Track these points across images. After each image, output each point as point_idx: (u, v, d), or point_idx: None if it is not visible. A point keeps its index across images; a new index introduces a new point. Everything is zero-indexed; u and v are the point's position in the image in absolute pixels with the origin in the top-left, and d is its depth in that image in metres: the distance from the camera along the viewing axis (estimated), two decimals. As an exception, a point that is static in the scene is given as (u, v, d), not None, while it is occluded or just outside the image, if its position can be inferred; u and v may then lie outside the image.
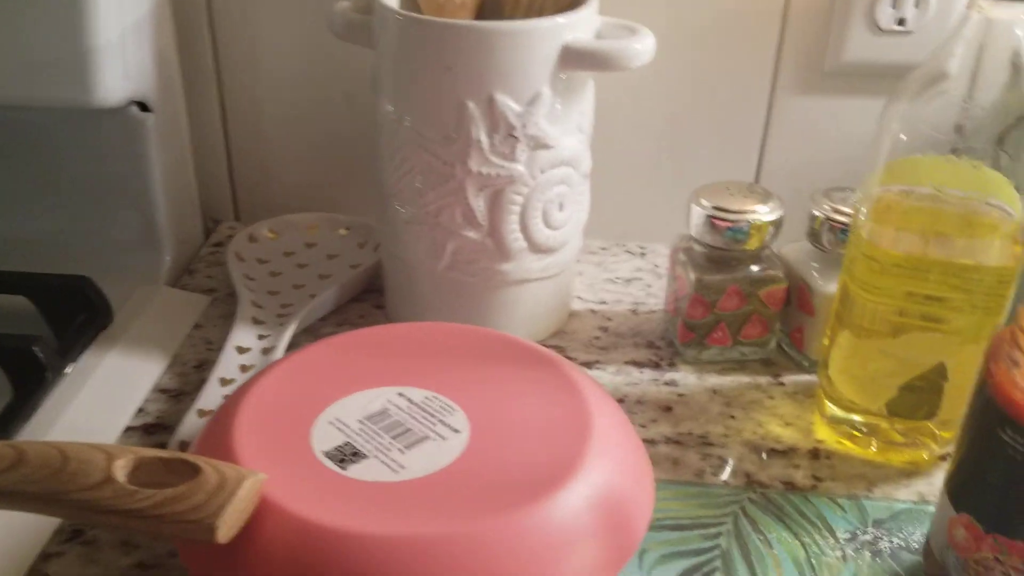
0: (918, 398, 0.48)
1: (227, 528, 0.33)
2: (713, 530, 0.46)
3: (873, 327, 0.48)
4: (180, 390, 0.56)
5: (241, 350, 0.56)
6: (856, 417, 0.51)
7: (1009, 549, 0.37)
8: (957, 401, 0.47)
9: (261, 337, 0.57)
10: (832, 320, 0.51)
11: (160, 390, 0.56)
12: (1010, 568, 0.37)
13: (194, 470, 0.34)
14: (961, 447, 0.40)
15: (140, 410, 0.54)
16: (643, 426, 0.54)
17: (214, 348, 0.58)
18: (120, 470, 0.35)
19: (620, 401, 0.55)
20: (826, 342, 0.52)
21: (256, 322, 0.59)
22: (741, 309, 0.57)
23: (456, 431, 0.40)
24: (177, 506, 0.33)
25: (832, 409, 0.52)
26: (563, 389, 0.43)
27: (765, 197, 0.56)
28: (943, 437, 0.50)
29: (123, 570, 0.44)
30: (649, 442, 0.52)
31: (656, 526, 0.46)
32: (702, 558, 0.45)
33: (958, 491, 0.39)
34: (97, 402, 0.53)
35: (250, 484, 0.34)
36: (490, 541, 0.35)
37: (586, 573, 0.36)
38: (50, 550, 0.45)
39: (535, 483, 0.37)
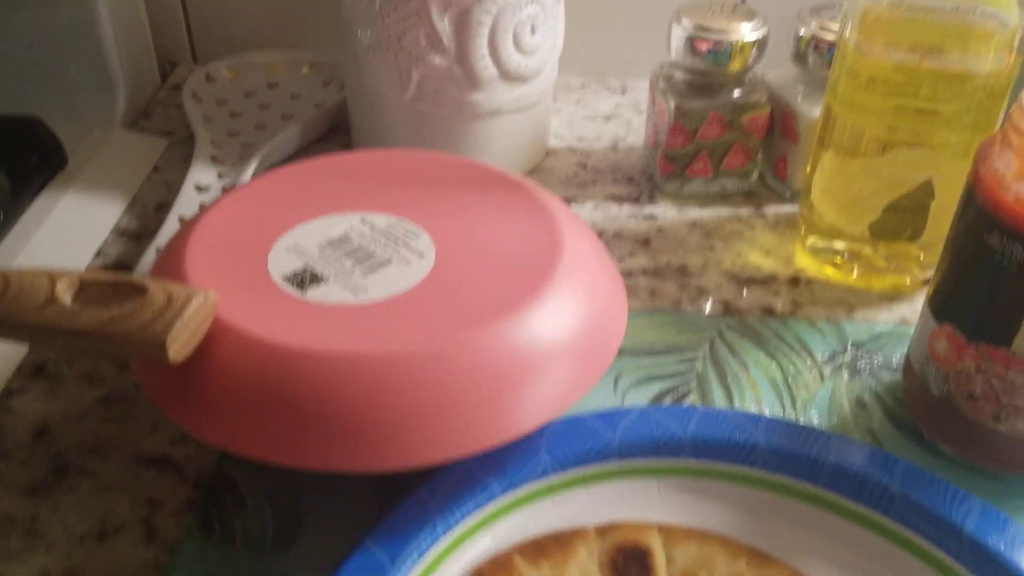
0: (902, 219, 0.47)
1: (178, 346, 0.32)
2: (689, 354, 0.45)
3: (858, 147, 0.46)
4: (140, 232, 0.54)
5: (200, 188, 0.54)
6: (838, 244, 0.50)
7: (991, 356, 0.36)
8: (942, 221, 0.45)
9: (221, 176, 0.55)
10: (815, 144, 0.49)
11: (119, 232, 0.54)
12: (992, 376, 0.36)
13: (140, 290, 0.33)
14: (946, 258, 0.38)
15: (99, 252, 0.52)
16: (621, 259, 0.52)
17: (174, 190, 0.56)
18: (64, 292, 0.33)
19: (599, 235, 0.53)
20: (808, 169, 0.50)
21: (216, 161, 0.56)
22: (723, 137, 0.54)
23: (421, 255, 0.39)
24: (124, 325, 0.32)
25: (814, 237, 0.50)
26: (534, 214, 0.41)
27: (749, 16, 0.53)
28: (926, 261, 0.49)
29: (88, 404, 0.43)
30: (626, 274, 0.51)
31: (631, 352, 0.45)
32: (677, 380, 0.44)
33: (941, 303, 0.38)
34: (54, 245, 0.51)
35: (199, 302, 0.33)
36: (455, 358, 0.34)
37: (555, 392, 0.35)
38: (13, 385, 0.44)
39: (502, 302, 0.36)
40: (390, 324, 0.35)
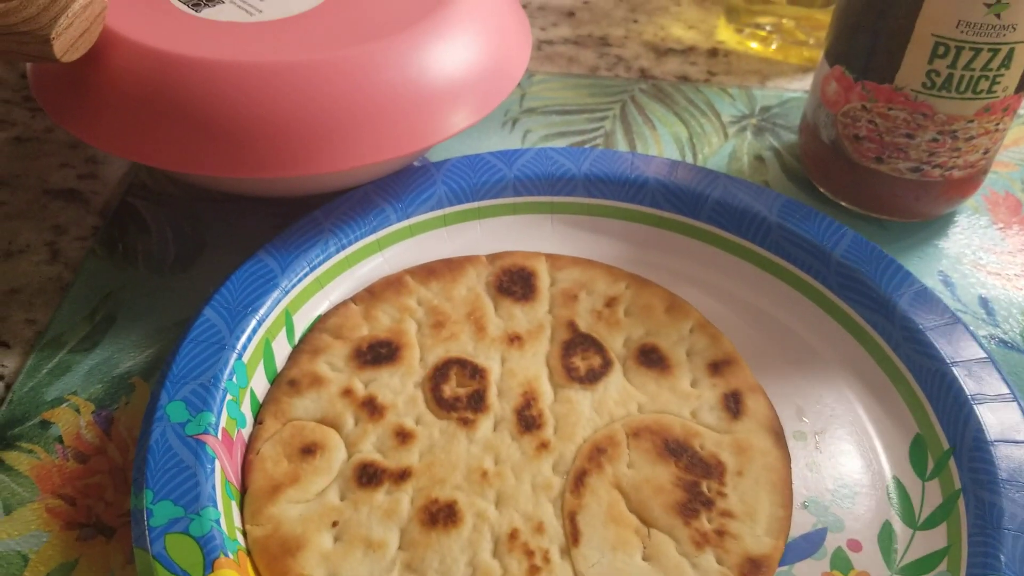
0: (819, -17, 0.47)
1: (63, 43, 0.32)
2: (599, 114, 0.46)
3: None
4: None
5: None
6: (761, 19, 0.49)
7: (875, 95, 0.36)
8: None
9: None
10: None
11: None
12: (875, 115, 0.37)
13: (25, -10, 0.32)
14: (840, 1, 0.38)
15: None
16: (543, 29, 0.52)
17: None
18: (-54, -8, 0.33)
19: (524, 7, 0.53)
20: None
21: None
22: (653, -92, 0.53)
23: (322, -14, 0.38)
24: (8, 19, 0.31)
25: (737, 9, 0.50)
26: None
27: None
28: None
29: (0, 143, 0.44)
30: (547, 43, 0.51)
31: (541, 111, 0.46)
32: (584, 137, 0.45)
33: (833, 44, 0.38)
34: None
35: (86, 1, 0.32)
36: (346, 70, 0.34)
37: (450, 113, 0.36)
38: (-82, 126, 0.44)
39: (398, 23, 0.36)
40: (282, 38, 0.35)
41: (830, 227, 0.36)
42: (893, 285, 0.34)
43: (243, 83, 0.33)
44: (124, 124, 0.34)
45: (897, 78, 0.35)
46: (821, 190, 0.41)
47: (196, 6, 0.37)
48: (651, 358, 0.34)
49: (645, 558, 0.28)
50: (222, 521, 0.27)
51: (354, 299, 0.36)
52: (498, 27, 0.38)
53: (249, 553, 0.28)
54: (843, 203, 0.40)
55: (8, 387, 0.34)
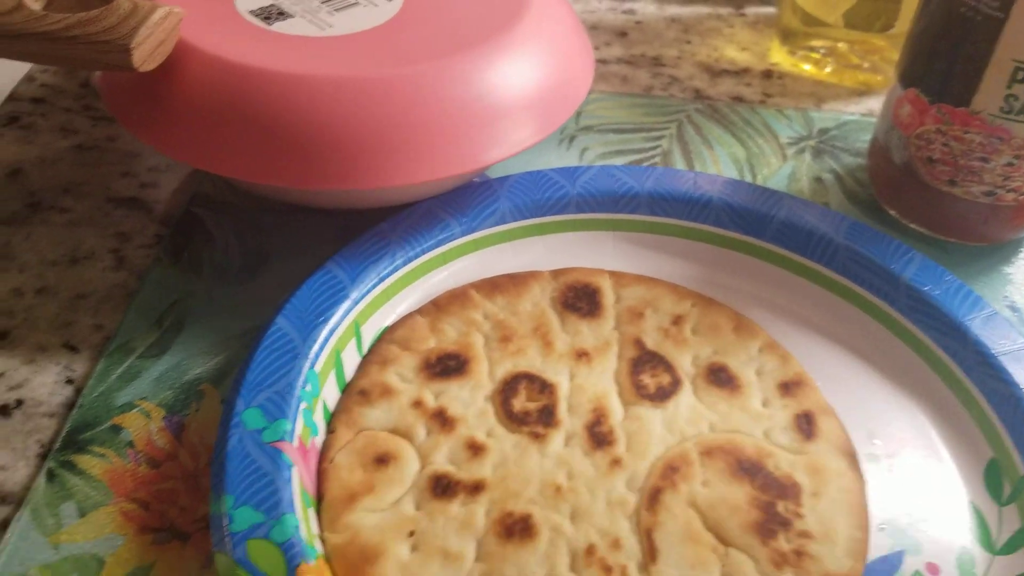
0: (876, 7, 0.47)
1: (142, 53, 0.32)
2: (655, 133, 0.46)
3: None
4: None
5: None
6: (815, 42, 0.50)
7: (951, 118, 0.36)
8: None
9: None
10: (798, -65, 0.49)
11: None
12: (950, 138, 0.37)
13: (106, 0, 0.33)
14: (915, 22, 0.38)
15: None
16: (596, 48, 0.52)
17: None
18: (33, 1, 0.33)
19: (574, 25, 0.53)
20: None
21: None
22: (707, -68, 0.54)
23: None
24: (89, 28, 0.32)
25: (791, 31, 0.50)
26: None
27: None
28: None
29: (62, 151, 0.44)
30: (600, 62, 0.51)
31: (598, 129, 0.46)
32: (641, 156, 0.45)
33: (907, 66, 0.38)
34: None
35: (164, 12, 0.33)
36: (415, 86, 0.34)
37: (515, 130, 0.36)
38: (-16, 132, 0.45)
39: (468, 40, 0.36)
40: (352, 53, 0.35)
41: (898, 249, 0.36)
42: (964, 309, 0.34)
43: (313, 96, 0.34)
44: (196, 134, 0.34)
45: (974, 102, 0.35)
46: (890, 212, 0.41)
47: (268, 20, 0.37)
48: (720, 377, 0.34)
49: (723, 577, 0.28)
50: (301, 528, 0.27)
51: (420, 311, 0.36)
52: (564, 46, 0.39)
53: (328, 560, 0.28)
54: (912, 225, 0.40)
55: (78, 391, 0.34)
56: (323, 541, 0.28)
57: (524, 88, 0.36)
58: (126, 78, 0.36)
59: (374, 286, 0.35)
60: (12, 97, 0.47)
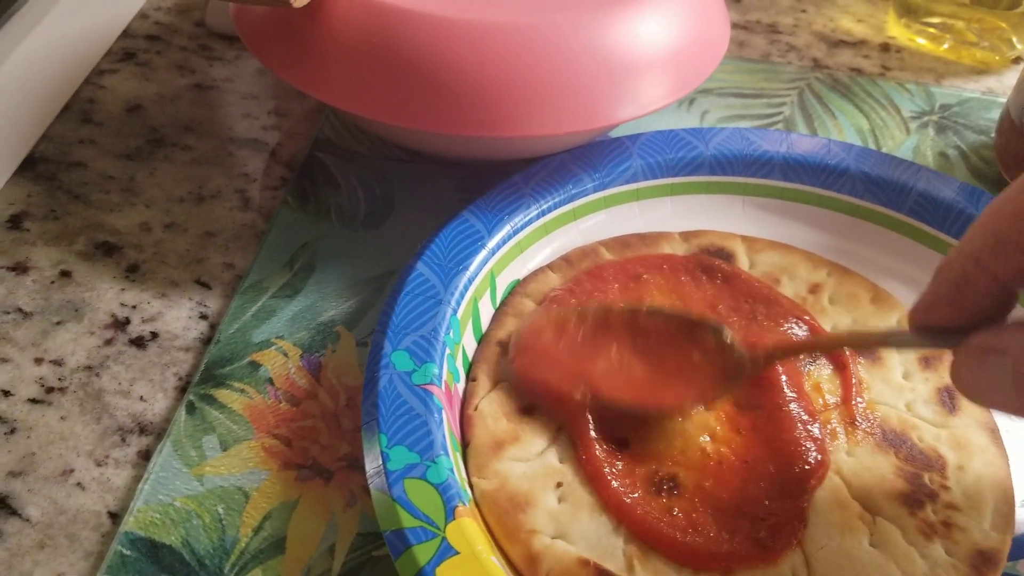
0: (1010, -18, 0.46)
1: (300, -11, 0.32)
2: (777, 100, 0.45)
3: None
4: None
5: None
6: (932, 19, 0.49)
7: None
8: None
9: None
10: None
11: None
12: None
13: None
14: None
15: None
16: (709, 12, 0.51)
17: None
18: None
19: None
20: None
21: None
22: (828, -102, 0.52)
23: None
24: (247, -39, 0.32)
25: (910, 5, 0.49)
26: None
27: None
28: (1017, 42, 0.48)
29: (180, 89, 0.44)
30: (715, 26, 0.50)
31: (718, 92, 0.45)
32: (764, 122, 0.44)
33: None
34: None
35: (322, -52, 0.32)
36: (562, 33, 0.34)
37: (652, 88, 0.35)
38: (104, 67, 0.45)
39: (613, -5, 0.35)
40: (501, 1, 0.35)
41: (1040, 228, 0.35)
42: (1112, 290, 0.33)
43: (458, 40, 0.33)
44: (341, 74, 0.34)
45: None
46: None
47: (413, -38, 0.36)
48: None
49: (873, 544, 0.28)
50: (455, 470, 0.27)
51: (551, 266, 0.36)
52: (704, 7, 0.38)
53: (476, 505, 0.28)
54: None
55: (213, 327, 0.34)
56: (471, 486, 0.28)
57: (669, 44, 0.36)
58: (265, 18, 0.36)
59: (509, 237, 0.35)
60: (127, 33, 0.47)
